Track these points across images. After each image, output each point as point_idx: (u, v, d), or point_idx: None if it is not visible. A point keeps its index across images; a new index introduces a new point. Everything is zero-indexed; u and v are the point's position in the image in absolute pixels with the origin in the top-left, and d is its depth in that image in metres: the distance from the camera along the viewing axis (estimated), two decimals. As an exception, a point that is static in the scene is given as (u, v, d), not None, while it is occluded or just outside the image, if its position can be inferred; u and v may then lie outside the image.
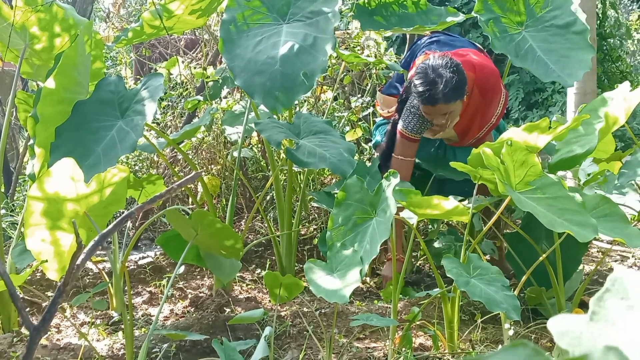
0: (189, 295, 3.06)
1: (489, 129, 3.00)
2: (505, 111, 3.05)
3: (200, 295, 3.02)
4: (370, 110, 4.11)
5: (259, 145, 4.07)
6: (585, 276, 2.88)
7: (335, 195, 2.41)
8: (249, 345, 2.20)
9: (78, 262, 0.93)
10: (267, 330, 2.19)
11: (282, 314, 2.78)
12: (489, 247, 3.10)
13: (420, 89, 2.76)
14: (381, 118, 3.45)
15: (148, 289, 3.18)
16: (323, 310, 2.80)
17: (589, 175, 2.86)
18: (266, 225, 3.64)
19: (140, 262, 3.53)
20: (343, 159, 2.70)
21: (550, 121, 2.35)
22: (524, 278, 2.46)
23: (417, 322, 2.49)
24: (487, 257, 3.16)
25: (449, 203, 2.19)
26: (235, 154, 3.37)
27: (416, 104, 2.86)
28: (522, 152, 2.10)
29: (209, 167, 4.01)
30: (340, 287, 2.10)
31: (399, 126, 2.99)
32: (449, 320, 2.40)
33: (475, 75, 2.88)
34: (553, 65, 2.93)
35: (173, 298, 3.06)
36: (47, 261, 2.11)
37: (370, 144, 4.01)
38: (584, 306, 2.68)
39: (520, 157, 2.11)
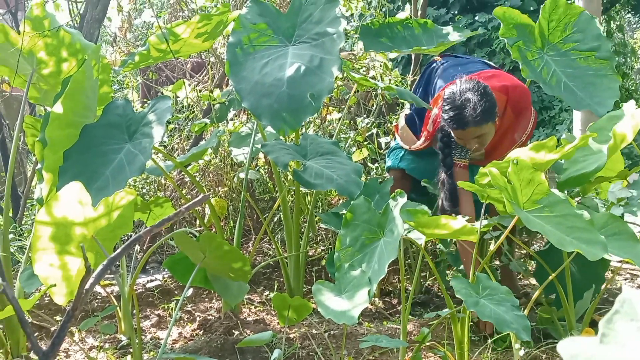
0: (198, 318, 3.05)
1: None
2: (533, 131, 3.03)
3: (208, 318, 3.02)
4: (375, 130, 4.12)
5: (266, 167, 4.07)
6: (596, 295, 2.86)
7: (343, 216, 2.40)
8: (257, 368, 2.20)
9: (87, 286, 0.93)
10: (276, 353, 2.18)
11: (291, 336, 2.77)
12: (521, 266, 3.01)
13: (450, 114, 2.76)
14: (396, 142, 3.45)
15: (156, 312, 3.17)
16: (332, 332, 2.79)
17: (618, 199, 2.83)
18: (274, 246, 3.64)
19: (148, 285, 3.53)
20: (350, 180, 2.70)
21: (558, 139, 2.35)
22: (533, 297, 2.45)
23: (427, 343, 2.48)
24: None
25: (457, 223, 2.19)
26: (242, 175, 3.37)
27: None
28: (528, 170, 2.10)
29: (216, 189, 4.01)
30: (348, 308, 2.09)
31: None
32: (459, 341, 2.38)
33: (509, 97, 2.87)
34: (580, 93, 2.92)
35: (181, 321, 3.05)
36: (55, 285, 2.11)
37: (376, 165, 4.02)
38: (594, 326, 2.66)
39: (527, 176, 2.11)
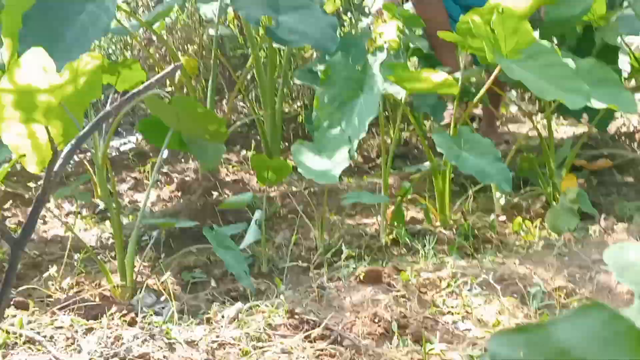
0: (175, 180, 3.00)
1: None
2: None
3: (186, 179, 2.97)
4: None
5: (236, 22, 3.91)
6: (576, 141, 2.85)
7: (320, 73, 2.32)
8: (240, 229, 2.19)
9: (55, 168, 0.87)
10: (258, 213, 2.17)
11: (271, 194, 2.75)
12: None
13: None
14: None
15: (132, 175, 3.12)
16: (312, 189, 2.77)
17: None
18: (248, 105, 3.56)
19: (122, 149, 3.47)
20: (326, 35, 2.60)
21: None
22: (514, 146, 2.43)
23: (409, 197, 2.48)
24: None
25: (438, 76, 2.12)
26: (212, 32, 3.24)
27: None
28: (513, 19, 2.01)
29: (185, 46, 3.87)
30: (329, 167, 2.07)
31: None
32: (440, 192, 2.38)
33: None
34: None
35: (158, 183, 3.00)
36: (25, 155, 2.05)
37: (350, 16, 3.87)
38: (575, 170, 2.67)
39: (512, 25, 2.02)
